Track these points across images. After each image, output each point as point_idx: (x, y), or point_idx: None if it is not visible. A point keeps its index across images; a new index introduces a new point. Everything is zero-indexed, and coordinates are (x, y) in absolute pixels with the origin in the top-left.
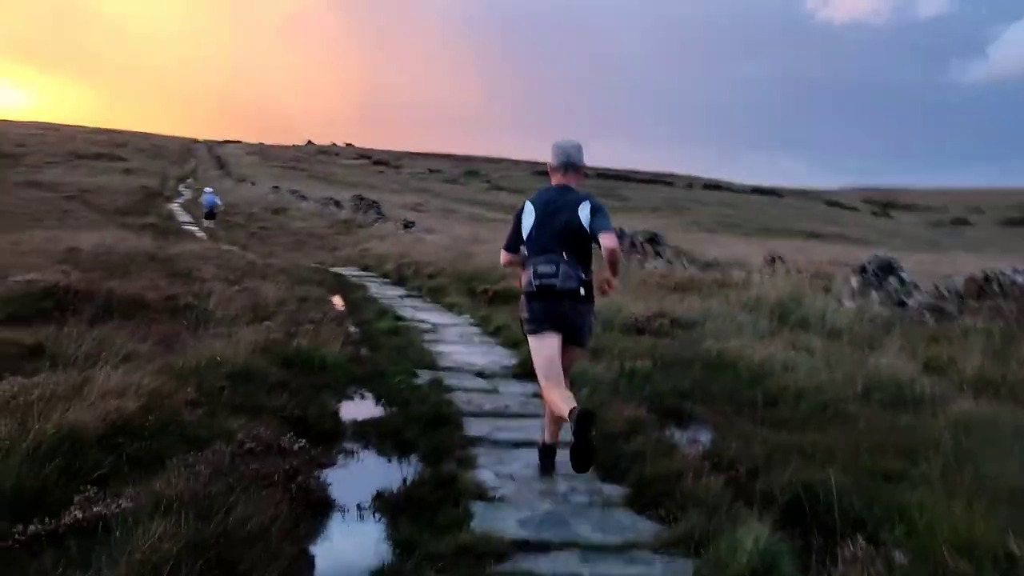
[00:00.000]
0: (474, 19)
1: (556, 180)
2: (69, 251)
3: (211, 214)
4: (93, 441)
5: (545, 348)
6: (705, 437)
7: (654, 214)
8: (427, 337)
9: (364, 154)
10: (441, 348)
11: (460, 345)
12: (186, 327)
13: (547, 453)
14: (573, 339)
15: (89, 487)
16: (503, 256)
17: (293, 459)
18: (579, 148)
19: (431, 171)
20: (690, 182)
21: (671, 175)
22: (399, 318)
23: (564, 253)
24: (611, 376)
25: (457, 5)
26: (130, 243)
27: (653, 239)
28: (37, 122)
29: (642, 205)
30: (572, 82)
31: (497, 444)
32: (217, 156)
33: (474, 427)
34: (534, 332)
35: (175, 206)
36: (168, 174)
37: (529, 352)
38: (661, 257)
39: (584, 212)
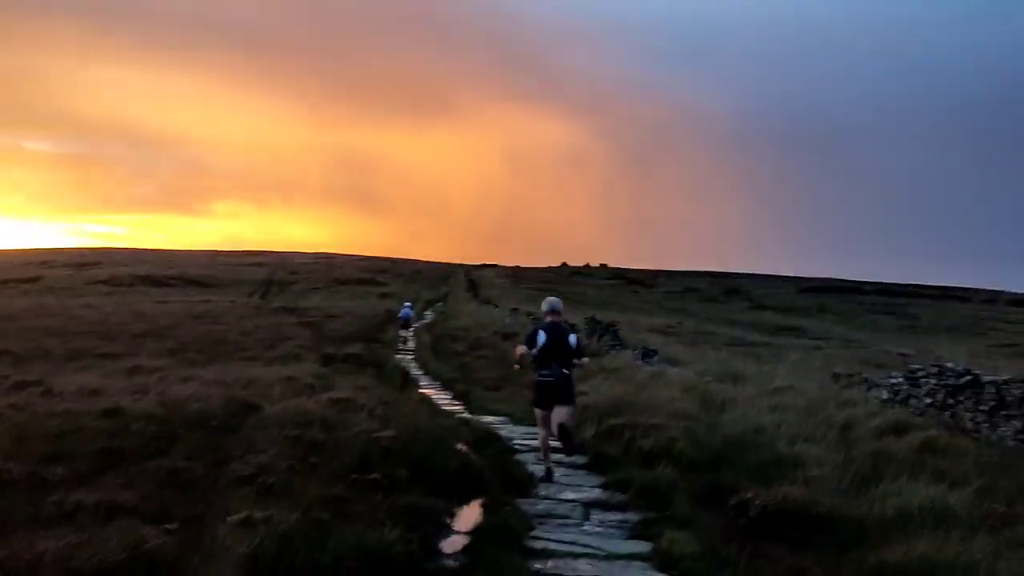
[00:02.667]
0: (747, 138)
1: (549, 319)
2: (106, 414)
3: (407, 325)
4: None
5: (542, 413)
6: None
7: (949, 336)
8: None
9: (619, 274)
10: None
11: None
12: None
13: (547, 472)
14: (563, 402)
15: None
16: (521, 349)
17: None
18: (559, 302)
19: (688, 290)
20: (992, 296)
21: (967, 289)
22: None
23: (556, 363)
24: None
25: (724, 125)
26: (259, 388)
27: None
28: (317, 252)
29: (934, 325)
30: (845, 192)
31: None
32: (471, 279)
33: None
34: (537, 405)
35: (410, 332)
36: (419, 298)
37: None
38: None
39: (572, 341)
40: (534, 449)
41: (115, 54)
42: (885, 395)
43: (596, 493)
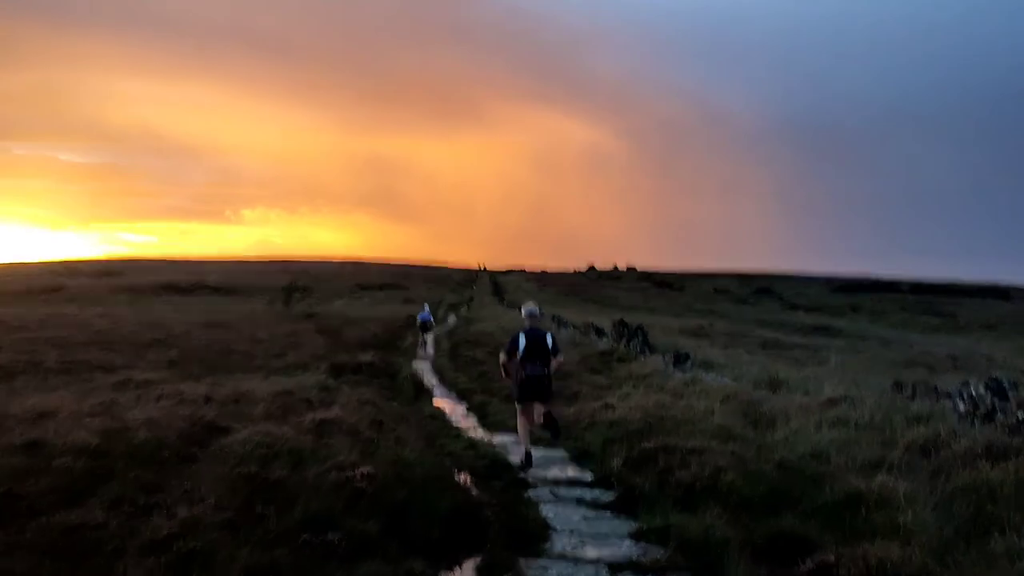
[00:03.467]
0: (775, 136)
1: (529, 323)
2: (26, 446)
3: (426, 329)
4: None
5: (525, 410)
6: None
7: (989, 334)
8: None
9: (646, 276)
10: None
11: None
12: None
13: (527, 457)
14: (543, 400)
15: None
16: (505, 356)
17: None
18: (537, 308)
19: (717, 291)
20: None
21: (1006, 287)
22: None
23: (539, 361)
24: None
25: (751, 124)
26: (242, 406)
27: None
28: (343, 258)
29: (972, 322)
30: (879, 190)
31: None
32: (495, 283)
33: None
34: (520, 401)
35: (430, 336)
36: (443, 302)
37: None
38: None
39: (549, 342)
40: (550, 482)
41: (145, 66)
42: (962, 408)
43: (626, 547)
